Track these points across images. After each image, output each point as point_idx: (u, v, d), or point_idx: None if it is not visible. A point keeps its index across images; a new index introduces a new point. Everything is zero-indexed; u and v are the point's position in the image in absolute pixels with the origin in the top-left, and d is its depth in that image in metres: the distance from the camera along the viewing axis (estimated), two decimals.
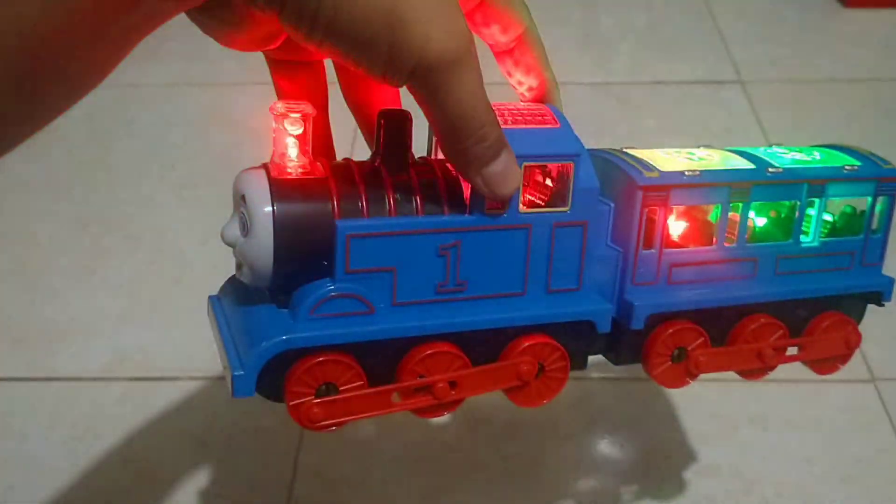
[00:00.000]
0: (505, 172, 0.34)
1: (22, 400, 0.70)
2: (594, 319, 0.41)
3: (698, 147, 0.46)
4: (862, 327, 0.72)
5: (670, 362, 0.44)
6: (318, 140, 0.38)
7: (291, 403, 0.36)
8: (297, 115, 0.35)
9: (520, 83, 0.41)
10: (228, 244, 0.35)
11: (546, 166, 0.39)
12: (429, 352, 0.38)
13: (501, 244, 0.38)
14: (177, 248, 0.87)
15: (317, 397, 0.37)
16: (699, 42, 1.21)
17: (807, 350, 0.47)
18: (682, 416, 0.67)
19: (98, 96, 1.04)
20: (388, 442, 0.66)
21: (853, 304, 0.48)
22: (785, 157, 0.46)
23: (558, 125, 0.38)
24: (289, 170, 0.35)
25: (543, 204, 0.39)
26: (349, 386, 0.37)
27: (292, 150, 0.36)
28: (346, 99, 0.42)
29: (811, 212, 0.45)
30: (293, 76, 0.39)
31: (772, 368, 0.47)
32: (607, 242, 0.42)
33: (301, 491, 0.62)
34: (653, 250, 0.41)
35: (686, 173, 0.41)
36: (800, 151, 0.47)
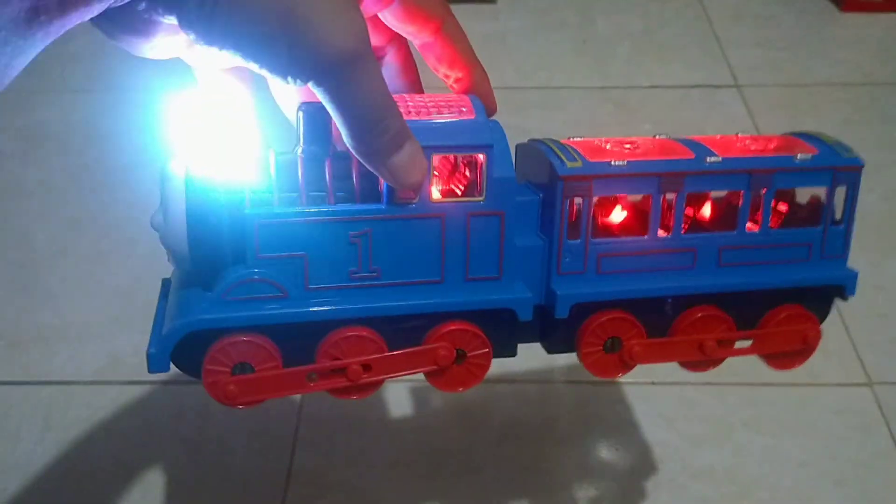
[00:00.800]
0: (409, 163, 0.35)
1: (17, 403, 0.70)
2: (513, 308, 0.41)
3: (655, 136, 0.45)
4: (859, 331, 0.72)
5: (602, 352, 0.44)
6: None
7: (208, 381, 0.38)
8: (215, 107, 0.36)
9: (446, 76, 0.41)
10: (154, 230, 0.37)
11: (463, 157, 0.39)
12: (344, 335, 0.39)
13: (414, 233, 0.39)
14: None
15: (233, 376, 0.38)
16: (696, 46, 1.21)
17: (758, 344, 0.46)
18: (676, 420, 0.67)
19: (95, 101, 1.04)
20: (383, 445, 0.66)
21: (816, 299, 0.46)
22: (739, 145, 0.45)
23: (473, 116, 0.39)
24: (210, 162, 0.36)
25: (461, 193, 0.40)
26: (265, 366, 0.39)
27: (216, 143, 0.36)
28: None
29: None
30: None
31: (718, 361, 0.46)
32: (537, 233, 0.42)
33: (295, 493, 0.62)
34: (579, 240, 0.42)
35: (613, 163, 0.41)
36: (766, 138, 0.46)
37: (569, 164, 0.41)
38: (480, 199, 0.39)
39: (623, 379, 0.70)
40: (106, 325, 0.78)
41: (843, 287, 0.46)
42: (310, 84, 0.31)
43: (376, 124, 0.33)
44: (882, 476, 0.62)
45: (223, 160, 0.36)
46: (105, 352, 0.75)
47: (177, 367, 0.38)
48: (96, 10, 0.29)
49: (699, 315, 0.44)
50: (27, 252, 0.88)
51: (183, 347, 0.37)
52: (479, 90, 0.41)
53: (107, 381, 0.72)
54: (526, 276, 0.42)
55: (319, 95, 0.32)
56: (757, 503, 0.61)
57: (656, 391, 0.70)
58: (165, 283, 0.43)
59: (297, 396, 0.69)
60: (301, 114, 0.38)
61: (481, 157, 0.38)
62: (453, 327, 0.41)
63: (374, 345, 0.40)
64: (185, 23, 0.30)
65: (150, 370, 0.37)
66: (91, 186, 0.97)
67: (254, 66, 0.31)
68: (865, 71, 1.16)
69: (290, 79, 0.31)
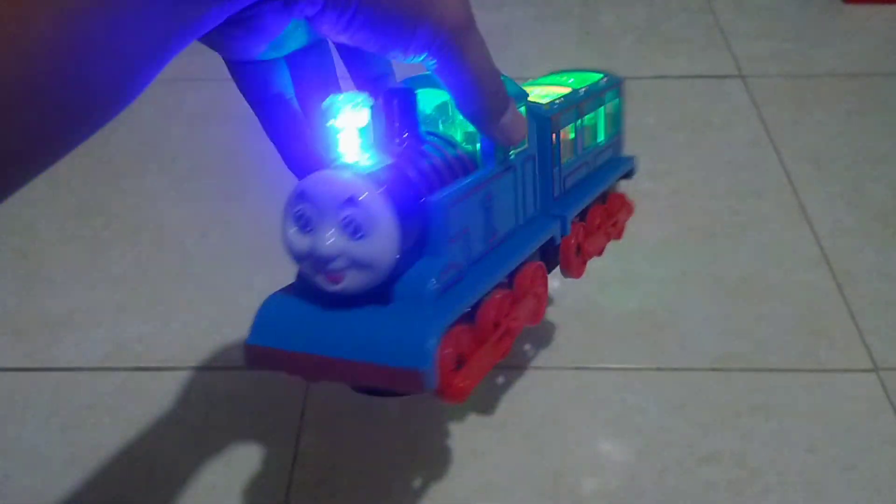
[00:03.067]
0: (515, 120, 0.38)
1: (21, 389, 0.70)
2: (555, 237, 0.47)
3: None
4: (865, 318, 0.72)
5: (576, 257, 0.51)
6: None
7: (445, 387, 0.35)
8: (361, 106, 0.35)
9: None
10: (327, 256, 0.33)
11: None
12: (496, 298, 0.40)
13: (506, 187, 0.42)
14: (177, 241, 0.87)
15: (456, 371, 0.36)
16: (701, 38, 1.21)
17: (615, 227, 0.59)
18: (683, 405, 0.67)
19: None
20: (388, 429, 0.66)
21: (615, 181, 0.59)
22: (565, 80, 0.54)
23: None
24: (364, 163, 0.35)
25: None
26: (470, 349, 0.37)
27: (358, 142, 0.36)
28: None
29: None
30: (301, 66, 0.38)
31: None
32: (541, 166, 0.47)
33: (300, 477, 0.62)
34: (557, 168, 0.48)
35: (556, 101, 0.48)
36: (554, 81, 0.54)
37: (546, 107, 0.47)
38: (526, 145, 0.43)
39: (627, 365, 0.70)
40: (111, 313, 0.78)
41: (632, 170, 0.61)
42: (427, 57, 0.33)
43: (489, 87, 0.35)
44: (890, 462, 0.62)
45: (372, 158, 0.36)
46: (110, 339, 0.75)
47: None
48: (234, 7, 0.28)
49: (599, 214, 0.56)
50: (31, 240, 0.88)
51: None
52: None
53: (112, 367, 0.72)
54: (540, 207, 0.47)
55: (437, 67, 0.34)
56: (764, 488, 0.60)
57: (662, 377, 0.70)
58: (273, 336, 0.36)
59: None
60: (395, 100, 0.37)
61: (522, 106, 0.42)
62: (534, 266, 0.44)
63: (510, 300, 0.42)
64: (333, 11, 0.30)
65: (427, 387, 0.33)
66: (96, 175, 0.97)
67: (375, 46, 0.32)
68: (869, 62, 1.16)
69: (409, 53, 0.33)
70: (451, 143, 0.41)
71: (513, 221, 0.43)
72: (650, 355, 0.72)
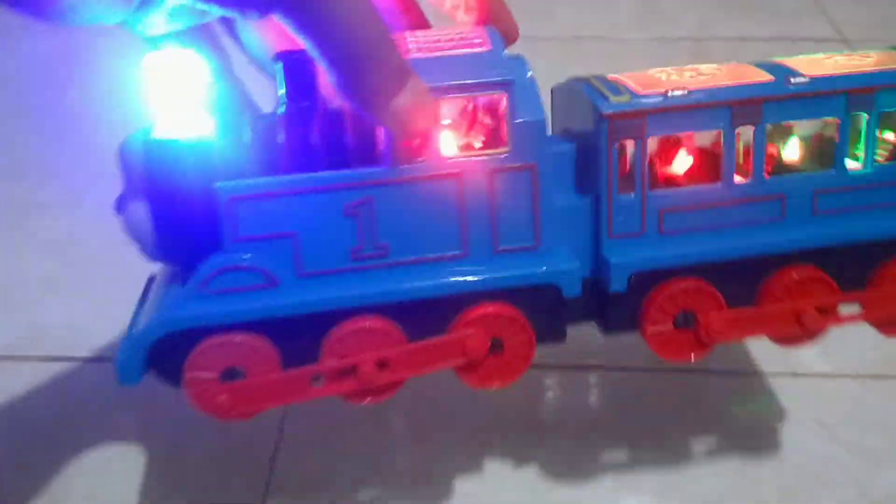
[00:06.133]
0: (413, 105, 0.30)
1: None
2: (556, 282, 0.34)
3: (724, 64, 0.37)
4: None
5: (673, 328, 0.36)
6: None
7: (192, 391, 0.33)
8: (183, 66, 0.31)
9: (454, 6, 0.35)
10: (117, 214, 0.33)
11: (482, 103, 0.33)
12: (353, 327, 0.33)
13: (426, 198, 0.33)
14: None
15: (222, 383, 0.33)
16: (790, 2, 1.03)
17: (870, 307, 0.38)
18: (837, 425, 0.46)
19: (61, 40, 0.85)
20: (378, 409, 0.48)
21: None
22: (829, 61, 0.37)
23: (489, 47, 0.32)
24: (168, 129, 0.31)
25: (482, 145, 0.33)
26: (259, 370, 0.33)
27: (176, 107, 0.31)
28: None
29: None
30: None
31: (819, 332, 0.37)
32: (578, 189, 0.35)
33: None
34: (633, 194, 0.35)
35: (669, 94, 0.34)
36: (861, 54, 0.37)
37: (613, 100, 0.34)
38: (504, 150, 0.33)
39: (746, 367, 0.49)
40: (31, 290, 0.58)
41: None
42: (277, 15, 0.27)
43: (367, 57, 0.28)
44: None
45: (190, 126, 0.31)
46: (25, 322, 0.55)
47: (157, 376, 0.33)
48: None
49: (793, 277, 0.36)
50: None
51: (162, 353, 0.32)
52: (495, 16, 0.35)
53: (24, 356, 0.52)
54: (569, 243, 0.35)
55: (291, 28, 0.28)
56: None
57: (800, 386, 0.49)
58: (149, 282, 0.37)
59: None
60: (280, 64, 0.33)
61: (502, 98, 0.32)
62: (485, 311, 0.34)
63: (389, 337, 0.34)
64: None
65: (120, 381, 0.32)
66: (42, 130, 0.78)
67: (219, 11, 0.28)
68: None
69: (251, 12, 0.27)
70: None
71: (449, 246, 0.33)
72: (779, 356, 0.51)
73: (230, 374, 0.33)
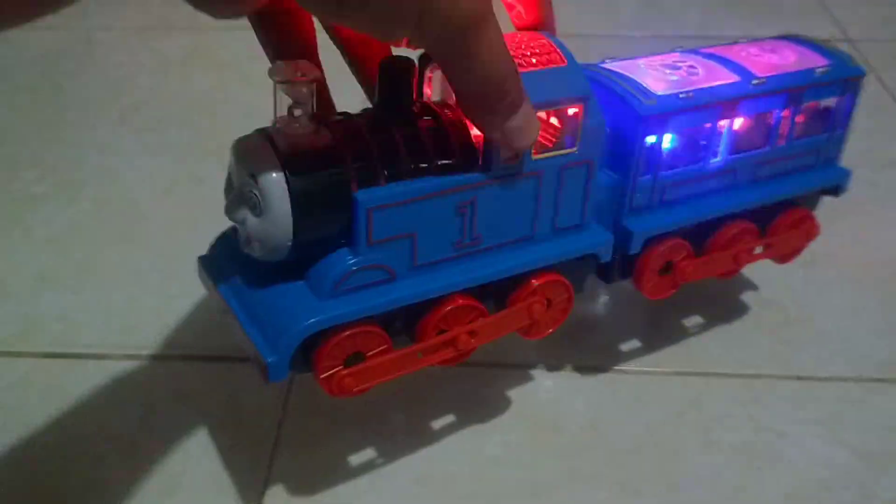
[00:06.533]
0: (526, 125, 0.33)
1: None
2: (598, 252, 0.41)
3: (673, 51, 0.46)
4: None
5: (658, 276, 0.46)
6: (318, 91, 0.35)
7: (323, 377, 0.35)
8: (305, 80, 0.33)
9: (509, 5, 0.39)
10: (236, 223, 0.34)
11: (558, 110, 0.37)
12: (449, 307, 0.38)
13: (514, 194, 0.37)
14: (129, 198, 0.66)
15: (345, 367, 0.36)
16: (793, 2, 1.02)
17: (774, 248, 0.49)
18: (841, 429, 0.45)
19: (60, 36, 0.84)
20: (377, 409, 0.47)
21: (811, 197, 0.50)
22: (758, 59, 0.45)
23: (565, 63, 0.37)
24: (295, 138, 0.33)
25: (550, 144, 0.38)
26: (375, 351, 0.36)
27: (298, 116, 0.33)
28: (341, 46, 0.40)
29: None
30: (281, 25, 0.37)
31: (742, 268, 0.49)
32: (608, 171, 0.42)
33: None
34: (649, 175, 0.42)
35: (681, 96, 0.41)
36: (765, 46, 0.47)
37: (646, 103, 0.40)
38: (574, 150, 0.38)
39: (750, 371, 0.49)
40: (27, 283, 0.57)
41: (839, 185, 0.50)
42: (432, 48, 0.30)
43: (498, 88, 0.32)
44: None
45: (311, 134, 0.34)
46: (21, 315, 0.54)
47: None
48: None
49: (738, 228, 0.46)
50: None
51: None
52: (547, 21, 0.39)
53: (19, 351, 0.51)
54: (597, 215, 0.41)
55: (440, 61, 0.31)
56: None
57: (804, 390, 0.48)
58: (206, 263, 0.39)
59: None
60: (385, 71, 0.35)
61: (581, 108, 0.37)
62: (544, 280, 0.40)
63: (476, 311, 0.39)
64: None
65: (270, 380, 0.34)
66: (40, 124, 0.78)
67: (374, 33, 0.30)
68: None
69: (410, 44, 0.30)
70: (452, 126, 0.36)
71: (524, 231, 0.38)
72: (784, 360, 0.50)
73: (353, 359, 0.36)
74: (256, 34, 0.38)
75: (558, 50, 0.37)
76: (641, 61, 0.44)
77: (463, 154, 0.36)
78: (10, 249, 0.60)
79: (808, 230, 0.50)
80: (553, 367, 0.49)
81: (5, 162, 0.71)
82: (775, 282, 0.56)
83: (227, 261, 0.37)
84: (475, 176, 0.36)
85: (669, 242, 0.44)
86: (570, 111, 0.37)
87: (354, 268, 0.34)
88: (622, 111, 0.40)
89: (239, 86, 0.82)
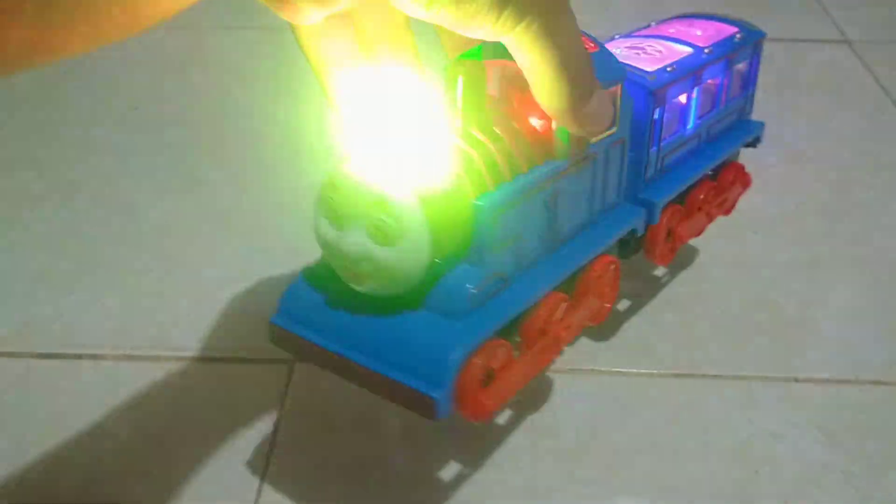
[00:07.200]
0: (600, 110, 0.34)
1: None
2: (636, 227, 0.43)
3: (612, 38, 0.48)
4: None
5: (665, 243, 0.48)
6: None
7: (469, 406, 0.33)
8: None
9: None
10: (351, 258, 0.32)
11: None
12: (546, 304, 0.37)
13: (582, 180, 0.38)
14: (126, 200, 0.66)
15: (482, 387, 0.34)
16: (793, 3, 1.02)
17: (727, 201, 0.53)
18: (838, 432, 0.45)
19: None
20: (373, 411, 0.46)
21: (735, 151, 0.54)
22: (689, 32, 0.49)
23: (597, 48, 0.37)
24: (406, 146, 0.32)
25: None
26: (502, 365, 0.34)
27: (405, 121, 0.32)
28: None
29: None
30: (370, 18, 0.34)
31: (714, 219, 0.52)
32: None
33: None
34: (654, 148, 0.43)
35: (668, 70, 0.43)
36: (682, 24, 0.51)
37: (650, 78, 0.42)
38: (615, 129, 0.38)
39: (749, 372, 0.49)
40: (23, 282, 0.57)
41: (758, 137, 0.54)
42: (509, 39, 0.29)
43: (573, 76, 0.31)
44: None
45: (416, 153, 0.32)
46: (15, 315, 0.54)
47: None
48: None
49: (705, 190, 0.50)
50: None
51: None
52: None
53: (15, 352, 0.51)
54: (618, 191, 0.42)
55: (519, 50, 0.30)
56: None
57: (802, 392, 0.48)
58: (299, 326, 0.35)
59: None
60: (461, 76, 0.36)
61: (619, 88, 0.38)
62: (604, 265, 0.41)
63: (563, 303, 0.38)
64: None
65: (439, 417, 0.32)
66: (35, 123, 0.78)
67: (456, 24, 0.28)
68: None
69: (491, 34, 0.29)
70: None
71: (585, 215, 0.39)
72: (782, 361, 0.50)
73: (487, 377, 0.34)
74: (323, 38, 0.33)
75: (586, 36, 0.36)
76: (610, 49, 0.43)
77: (536, 143, 0.36)
78: (8, 249, 0.60)
79: (744, 181, 0.54)
80: (551, 369, 0.49)
81: (3, 162, 0.71)
82: (773, 283, 0.56)
83: (309, 314, 0.35)
84: (555, 165, 0.36)
85: (670, 210, 0.46)
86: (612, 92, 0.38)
87: (483, 280, 0.33)
88: (630, 89, 0.40)
89: (238, 86, 0.82)
